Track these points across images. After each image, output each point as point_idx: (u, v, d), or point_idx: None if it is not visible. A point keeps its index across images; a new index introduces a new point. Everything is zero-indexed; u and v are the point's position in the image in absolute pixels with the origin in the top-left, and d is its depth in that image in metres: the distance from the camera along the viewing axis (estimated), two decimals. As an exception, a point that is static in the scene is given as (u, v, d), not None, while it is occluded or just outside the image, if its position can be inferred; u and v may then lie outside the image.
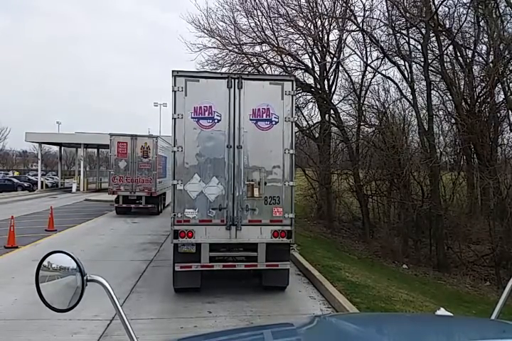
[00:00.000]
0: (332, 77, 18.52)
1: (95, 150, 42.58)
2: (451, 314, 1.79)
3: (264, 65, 18.03)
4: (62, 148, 40.57)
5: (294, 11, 16.56)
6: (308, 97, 18.88)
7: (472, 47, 14.87)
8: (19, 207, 20.62)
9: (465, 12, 14.54)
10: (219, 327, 5.22)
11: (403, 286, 8.65)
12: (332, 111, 17.66)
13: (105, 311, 5.48)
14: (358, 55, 16.81)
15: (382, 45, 15.26)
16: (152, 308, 6.08)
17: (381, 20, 15.30)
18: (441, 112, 16.52)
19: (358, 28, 15.70)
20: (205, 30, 16.89)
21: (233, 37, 17.14)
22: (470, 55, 14.93)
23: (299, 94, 17.86)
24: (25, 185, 35.93)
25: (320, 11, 16.66)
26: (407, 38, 15.39)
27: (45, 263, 1.54)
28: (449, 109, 16.08)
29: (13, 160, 74.76)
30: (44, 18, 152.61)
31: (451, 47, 15.12)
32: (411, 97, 15.01)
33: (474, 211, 15.48)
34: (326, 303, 6.51)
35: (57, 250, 1.57)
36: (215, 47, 17.34)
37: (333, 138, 19.09)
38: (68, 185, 36.96)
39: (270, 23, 16.76)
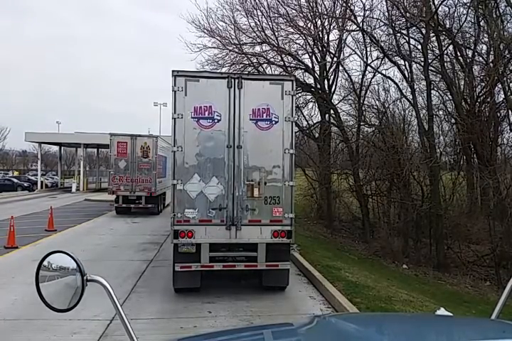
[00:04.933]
0: (332, 76, 18.54)
1: (95, 150, 42.57)
2: (451, 314, 1.79)
3: (264, 65, 18.04)
4: (62, 148, 40.56)
5: (294, 11, 16.58)
6: (308, 97, 18.90)
7: (472, 47, 14.88)
8: (19, 207, 20.61)
9: (465, 12, 14.58)
10: (219, 327, 5.22)
11: (403, 286, 8.65)
12: (332, 111, 17.66)
13: (105, 311, 5.48)
14: (358, 54, 16.85)
15: (382, 44, 15.27)
16: (152, 308, 6.08)
17: (381, 20, 15.32)
18: (441, 112, 16.56)
19: (358, 28, 15.71)
20: (205, 30, 16.91)
21: (233, 37, 17.16)
22: (470, 55, 14.95)
23: (299, 94, 17.86)
24: (25, 184, 35.92)
25: (320, 10, 16.67)
26: (407, 38, 15.41)
27: (45, 263, 1.54)
28: (449, 109, 16.11)
29: (12, 160, 74.69)
30: (43, 19, 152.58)
31: (451, 47, 15.14)
32: (411, 97, 15.01)
33: (474, 211, 15.46)
34: (326, 303, 6.51)
35: (57, 250, 1.57)
36: (215, 47, 17.36)
37: (333, 138, 19.08)
38: (68, 184, 36.95)
39: (270, 23, 16.78)
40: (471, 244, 14.23)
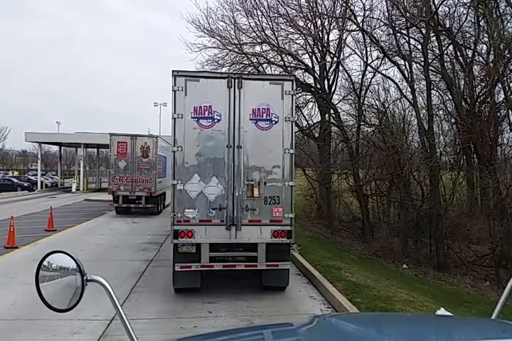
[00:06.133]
0: (332, 76, 18.54)
1: (95, 150, 42.59)
2: (451, 314, 1.79)
3: (264, 65, 18.05)
4: (62, 148, 40.56)
5: (294, 11, 16.59)
6: (308, 97, 18.90)
7: (472, 47, 14.87)
8: (19, 206, 20.61)
9: (465, 12, 14.57)
10: (219, 327, 5.22)
11: (403, 286, 8.65)
12: (332, 111, 17.66)
13: (105, 311, 5.48)
14: (358, 54, 16.85)
15: (382, 44, 15.26)
16: (152, 308, 6.08)
17: (381, 20, 15.31)
18: (441, 112, 16.55)
19: (358, 28, 15.71)
20: (205, 30, 16.93)
21: (233, 37, 17.18)
22: (470, 55, 14.95)
23: (299, 94, 17.86)
24: (25, 184, 35.92)
25: (320, 10, 16.67)
26: (407, 38, 15.40)
27: (45, 263, 1.54)
28: (449, 109, 16.09)
29: (12, 160, 74.72)
30: (43, 19, 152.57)
31: (451, 47, 15.13)
32: (411, 97, 15.00)
33: (474, 211, 15.46)
34: (326, 303, 6.51)
35: (57, 250, 1.57)
36: (215, 47, 17.38)
37: (333, 138, 19.08)
38: (68, 184, 36.97)
39: (270, 23, 16.79)
40: (471, 244, 14.23)
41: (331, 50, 17.92)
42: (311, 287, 7.47)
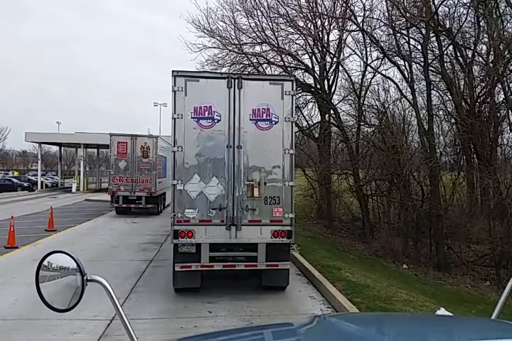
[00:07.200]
0: (332, 77, 18.54)
1: (95, 150, 42.58)
2: (451, 314, 1.79)
3: (264, 65, 18.04)
4: (62, 148, 40.56)
5: (294, 11, 16.58)
6: (308, 97, 18.91)
7: (472, 47, 14.86)
8: (19, 207, 20.62)
9: (465, 12, 14.56)
10: (219, 327, 5.22)
11: (403, 286, 8.65)
12: (332, 111, 17.66)
13: (105, 311, 5.48)
14: (358, 55, 16.82)
15: (382, 45, 15.25)
16: (152, 308, 6.07)
17: (381, 20, 15.30)
18: (441, 112, 16.53)
19: (358, 28, 15.70)
20: (205, 30, 16.92)
21: (233, 37, 17.18)
22: (470, 55, 14.93)
23: (299, 94, 17.86)
24: (25, 185, 35.93)
25: (320, 11, 16.66)
26: (407, 38, 15.39)
27: (45, 263, 1.54)
28: (449, 109, 16.08)
29: (13, 160, 74.72)
30: (43, 20, 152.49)
31: (451, 47, 15.12)
32: (411, 97, 15.00)
33: (474, 211, 15.45)
34: (326, 303, 6.51)
35: (57, 250, 1.57)
36: (215, 47, 17.37)
37: (333, 138, 19.09)
38: (68, 185, 36.95)
39: (270, 23, 16.78)
40: (471, 243, 14.23)
41: (330, 51, 17.92)
42: (311, 287, 7.47)
